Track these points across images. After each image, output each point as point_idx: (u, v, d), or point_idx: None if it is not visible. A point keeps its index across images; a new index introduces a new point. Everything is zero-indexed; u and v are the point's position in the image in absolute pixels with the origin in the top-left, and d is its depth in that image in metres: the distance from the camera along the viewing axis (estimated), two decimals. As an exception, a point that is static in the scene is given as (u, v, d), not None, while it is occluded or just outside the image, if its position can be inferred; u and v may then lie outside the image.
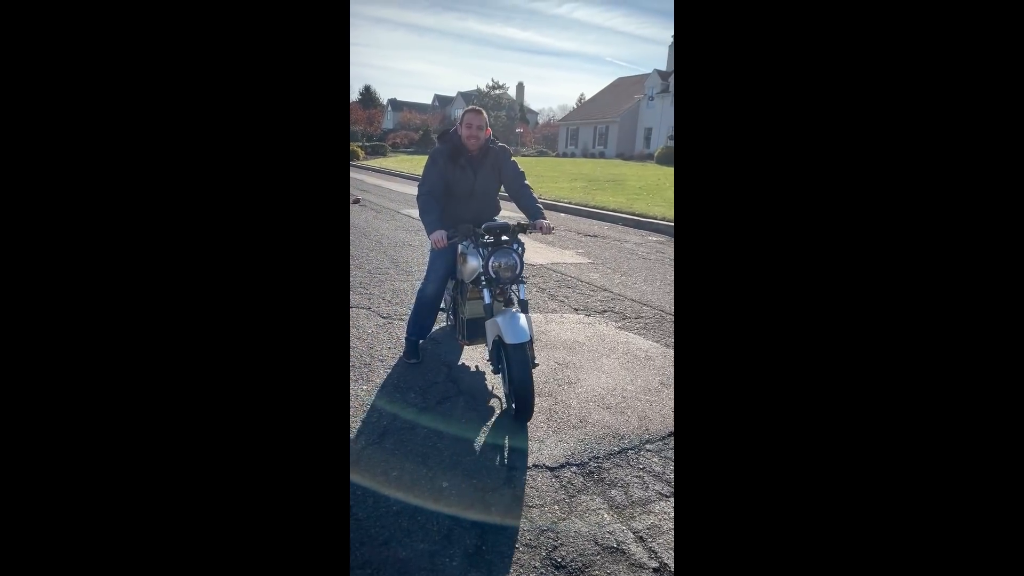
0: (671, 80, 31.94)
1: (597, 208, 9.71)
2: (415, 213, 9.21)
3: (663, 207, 9.55)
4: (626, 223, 8.74)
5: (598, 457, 2.13)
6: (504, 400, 2.53)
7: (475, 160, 2.75)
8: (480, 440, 2.22)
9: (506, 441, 2.23)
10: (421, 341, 3.04)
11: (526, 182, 2.85)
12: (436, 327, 3.33)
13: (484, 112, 2.73)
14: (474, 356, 3.12)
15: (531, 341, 2.30)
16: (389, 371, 2.85)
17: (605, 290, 4.62)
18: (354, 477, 1.93)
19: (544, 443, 2.21)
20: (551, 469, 2.04)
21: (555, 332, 3.54)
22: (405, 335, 3.04)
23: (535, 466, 2.06)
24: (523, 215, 2.74)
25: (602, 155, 34.15)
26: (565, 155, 35.96)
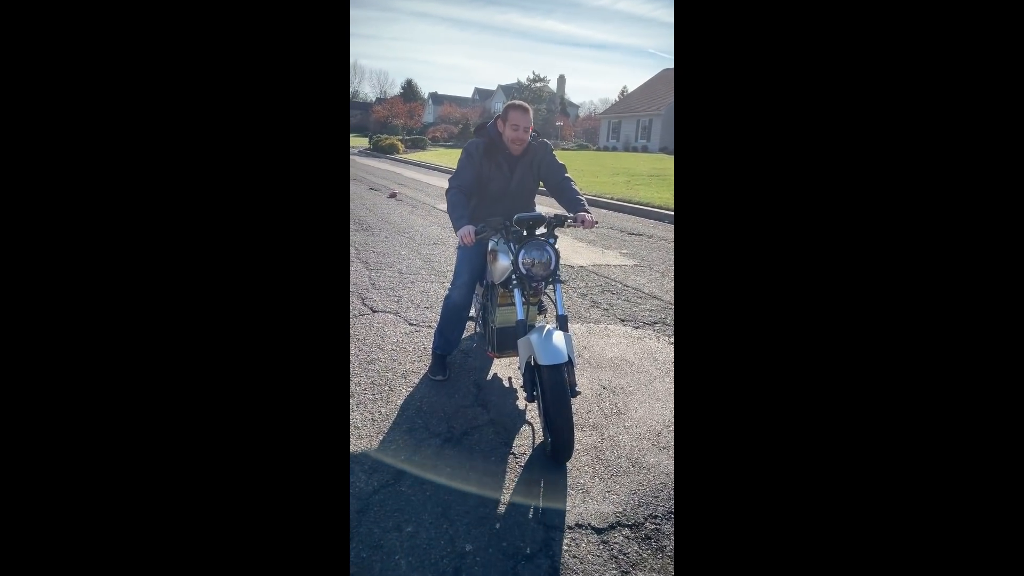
0: (720, 71, 30.53)
1: (641, 204, 9.20)
2: (451, 208, 8.97)
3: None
4: (672, 221, 8.22)
5: (656, 516, 1.74)
6: (540, 431, 2.17)
7: (513, 157, 2.40)
8: (511, 486, 1.87)
9: (542, 488, 1.86)
10: (448, 356, 2.71)
11: (567, 175, 2.48)
12: (465, 334, 2.99)
13: (531, 109, 2.36)
14: (505, 369, 2.77)
15: (571, 363, 1.92)
16: (412, 390, 2.52)
17: (654, 297, 4.18)
18: (360, 532, 1.60)
19: (589, 494, 1.84)
20: (598, 531, 1.66)
21: (599, 347, 3.14)
22: (432, 348, 2.71)
23: (578, 526, 1.68)
24: (563, 210, 2.38)
25: (645, 149, 33.11)
26: (606, 149, 35.10)
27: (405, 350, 2.98)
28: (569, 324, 2.10)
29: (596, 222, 2.22)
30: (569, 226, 2.19)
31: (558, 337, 1.90)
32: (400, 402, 2.40)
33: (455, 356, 2.87)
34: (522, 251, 2.04)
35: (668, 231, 7.36)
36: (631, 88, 44.27)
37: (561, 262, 2.16)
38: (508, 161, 2.41)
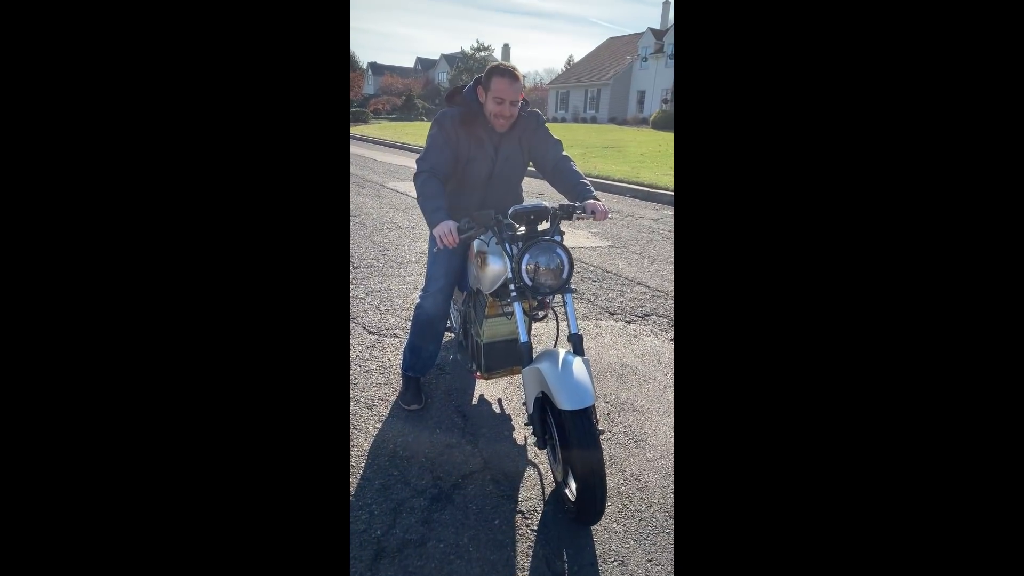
0: (666, 39, 30.52)
1: (601, 178, 8.86)
2: (401, 187, 8.26)
3: (672, 176, 8.73)
4: (635, 195, 7.95)
5: (716, 594, 1.36)
6: (549, 475, 1.75)
7: (497, 132, 1.89)
8: (526, 564, 1.44)
9: (566, 563, 1.45)
10: (422, 377, 2.23)
11: (564, 153, 2.00)
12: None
13: (520, 76, 1.82)
14: (492, 388, 2.32)
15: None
16: (381, 426, 2.04)
17: (639, 283, 3.82)
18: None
19: (627, 566, 1.44)
20: (651, 628, 1.27)
21: (593, 350, 2.74)
22: (401, 368, 2.22)
23: (623, 621, 1.28)
24: (564, 198, 1.91)
25: (594, 120, 32.79)
26: (555, 120, 34.54)
27: (367, 368, 2.47)
28: (583, 348, 1.66)
29: (609, 213, 1.78)
30: (578, 218, 1.73)
31: (579, 368, 1.46)
32: (368, 445, 1.91)
33: (431, 376, 2.39)
34: (525, 255, 1.57)
35: (633, 206, 7.07)
36: (577, 58, 43.66)
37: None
38: (491, 137, 1.90)
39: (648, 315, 3.25)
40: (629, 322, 3.14)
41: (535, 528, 1.56)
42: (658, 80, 30.80)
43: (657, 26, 33.39)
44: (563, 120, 34.41)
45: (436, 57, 51.89)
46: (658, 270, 4.15)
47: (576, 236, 5.24)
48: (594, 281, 3.86)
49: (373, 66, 51.94)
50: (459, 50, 45.17)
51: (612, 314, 3.26)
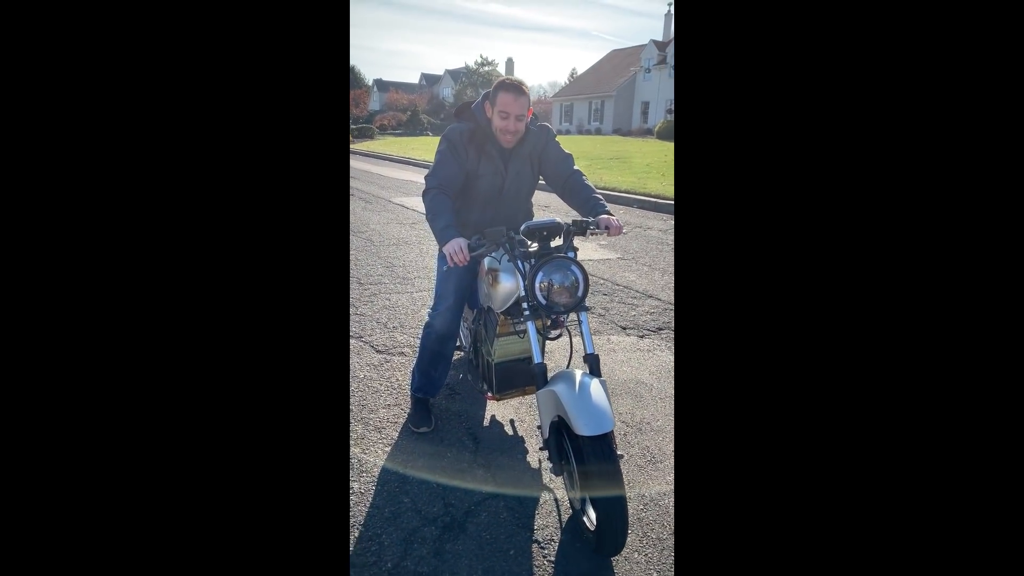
0: (668, 50, 30.68)
1: (607, 190, 8.82)
2: (408, 202, 8.27)
3: (682, 187, 8.68)
4: (642, 206, 7.89)
5: (747, 632, 1.28)
6: (566, 502, 1.68)
7: (507, 148, 1.85)
8: (545, 598, 1.37)
9: (587, 597, 1.37)
10: (432, 398, 2.17)
11: (576, 167, 1.96)
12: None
13: (528, 90, 1.78)
14: (504, 409, 2.26)
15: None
16: (390, 449, 1.98)
17: (651, 296, 3.75)
18: None
19: (651, 601, 1.36)
20: (679, 670, 1.19)
21: (607, 366, 2.67)
22: (410, 389, 2.17)
23: (650, 663, 1.21)
24: (577, 214, 1.86)
25: (598, 131, 32.92)
26: (560, 132, 34.66)
27: (375, 389, 2.41)
28: (600, 369, 1.60)
29: (624, 229, 1.72)
30: (592, 234, 1.68)
31: (596, 391, 1.40)
32: (378, 471, 1.85)
33: (441, 398, 2.33)
34: (538, 273, 1.52)
35: (641, 217, 7.01)
36: (580, 70, 44.01)
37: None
38: (500, 152, 1.86)
39: (661, 329, 3.18)
40: (642, 336, 3.07)
41: (552, 559, 1.48)
42: (661, 91, 30.89)
43: (659, 38, 33.59)
44: (568, 132, 34.58)
45: (440, 73, 52.49)
46: (669, 282, 4.08)
47: (584, 249, 5.19)
48: (604, 295, 3.80)
49: (379, 83, 52.59)
50: (463, 65, 45.70)
51: (624, 328, 3.19)
